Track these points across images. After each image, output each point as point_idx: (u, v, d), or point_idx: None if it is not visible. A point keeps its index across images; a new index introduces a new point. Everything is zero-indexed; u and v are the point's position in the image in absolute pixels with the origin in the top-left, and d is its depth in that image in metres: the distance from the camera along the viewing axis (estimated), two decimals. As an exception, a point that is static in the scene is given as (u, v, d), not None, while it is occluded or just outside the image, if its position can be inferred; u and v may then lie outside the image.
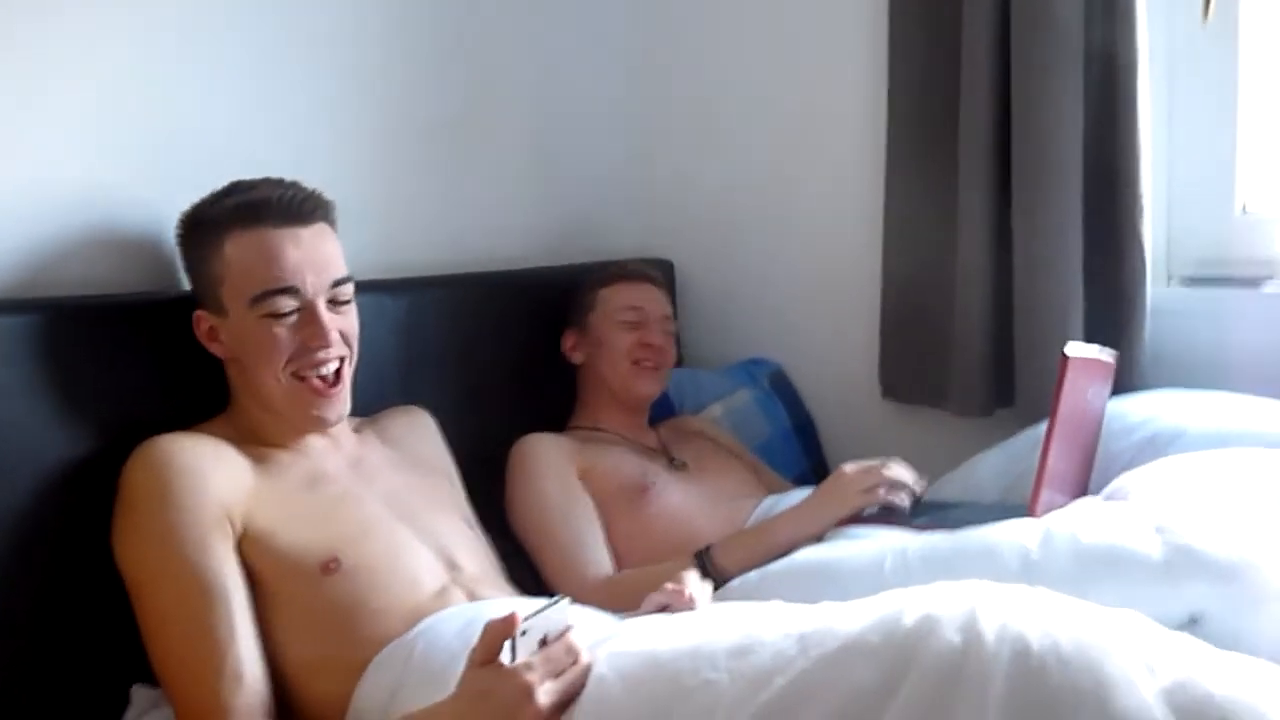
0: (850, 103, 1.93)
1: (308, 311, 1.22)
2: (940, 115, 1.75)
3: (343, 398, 1.26)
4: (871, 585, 1.16)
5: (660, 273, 1.86)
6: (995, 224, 1.70)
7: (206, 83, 1.40)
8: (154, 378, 1.26)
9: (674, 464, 1.66)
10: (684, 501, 1.58)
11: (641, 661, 0.95)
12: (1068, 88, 1.61)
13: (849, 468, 1.46)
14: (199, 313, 1.24)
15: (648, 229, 2.11)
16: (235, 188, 1.24)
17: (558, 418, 1.73)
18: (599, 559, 1.49)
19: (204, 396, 1.28)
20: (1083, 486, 1.43)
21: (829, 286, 1.99)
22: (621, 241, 2.05)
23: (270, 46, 1.47)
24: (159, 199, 1.31)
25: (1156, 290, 1.65)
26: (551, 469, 1.56)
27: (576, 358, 1.73)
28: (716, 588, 1.32)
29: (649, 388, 1.71)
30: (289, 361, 1.21)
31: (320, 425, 1.26)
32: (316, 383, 1.23)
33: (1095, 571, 1.11)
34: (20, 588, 1.13)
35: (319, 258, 1.23)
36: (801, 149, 2.00)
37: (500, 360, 1.70)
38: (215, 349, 1.25)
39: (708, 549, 1.42)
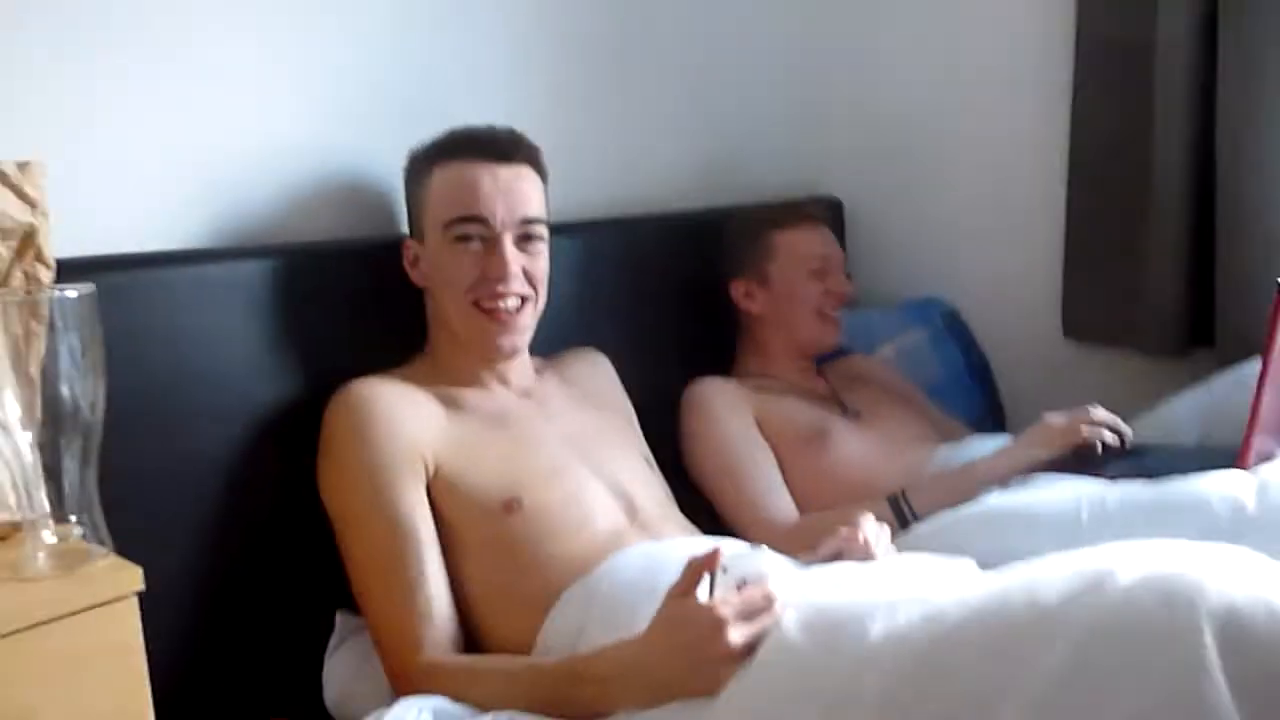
0: (1032, 20, 1.82)
1: (493, 243, 1.25)
2: (1134, 24, 1.63)
3: (520, 330, 1.29)
4: (1068, 534, 1.13)
5: (827, 211, 1.80)
6: (1197, 145, 1.58)
7: (403, 41, 1.45)
8: (361, 321, 1.31)
9: (847, 412, 1.63)
10: (861, 449, 1.55)
11: (821, 613, 0.94)
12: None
13: (1053, 416, 1.41)
14: (407, 241, 1.30)
15: (814, 166, 2.06)
16: (457, 132, 1.30)
17: (726, 359, 1.72)
18: (783, 503, 1.48)
19: (405, 339, 1.33)
20: None
21: (1006, 220, 1.90)
22: (785, 179, 2.00)
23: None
24: (365, 150, 1.39)
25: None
26: (731, 412, 1.55)
27: (754, 308, 1.68)
28: (904, 525, 1.30)
29: (834, 338, 1.68)
30: (470, 289, 1.25)
31: (495, 353, 1.28)
32: (501, 315, 1.26)
33: None
34: (238, 523, 1.19)
35: (513, 194, 1.26)
36: (976, 73, 1.90)
37: (670, 301, 1.69)
38: (414, 276, 1.30)
39: (903, 492, 1.40)
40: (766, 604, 0.96)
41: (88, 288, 0.84)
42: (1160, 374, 1.68)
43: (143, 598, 0.82)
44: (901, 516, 1.37)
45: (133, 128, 1.20)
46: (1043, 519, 1.17)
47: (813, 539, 1.25)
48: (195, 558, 1.16)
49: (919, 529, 1.26)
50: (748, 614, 0.95)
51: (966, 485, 1.35)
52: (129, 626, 0.81)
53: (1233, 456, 1.22)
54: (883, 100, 2.02)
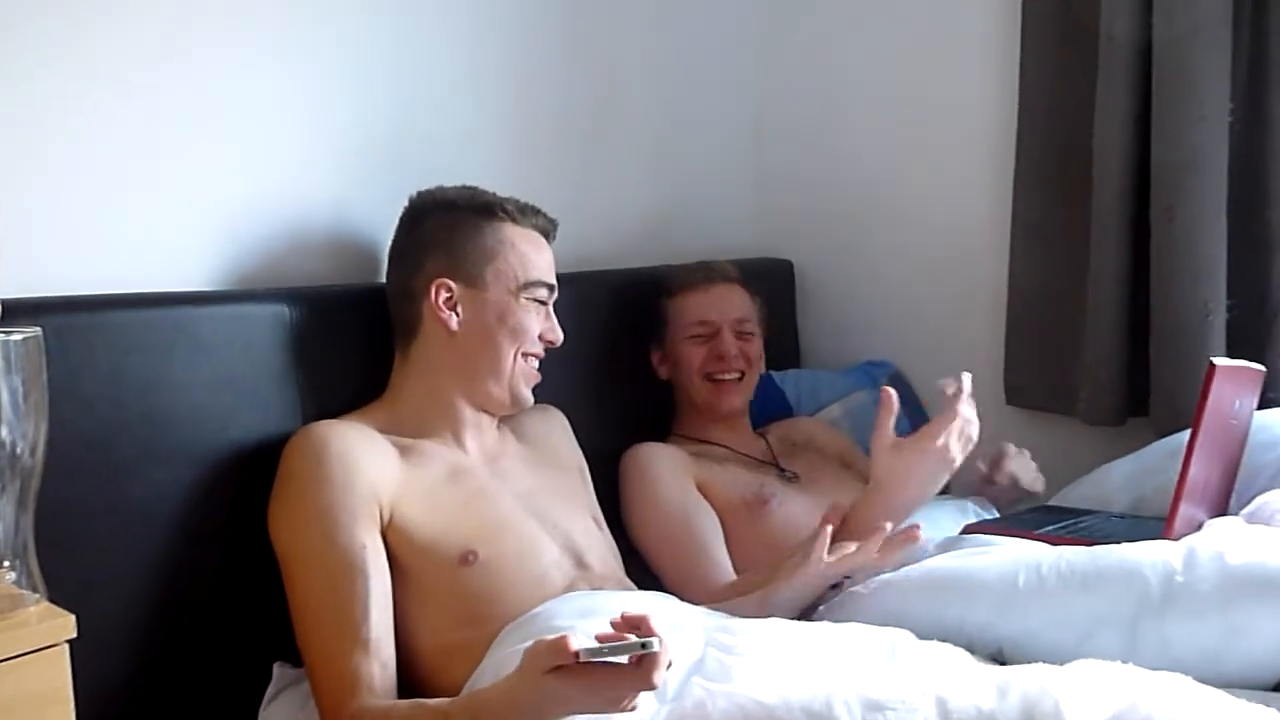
0: (978, 99, 1.89)
1: (547, 310, 1.37)
2: (1074, 111, 1.70)
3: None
4: (1004, 599, 1.15)
5: (774, 272, 1.81)
6: (1132, 223, 1.64)
7: (389, 103, 1.51)
8: (310, 367, 1.31)
9: (785, 475, 1.63)
10: (800, 513, 1.54)
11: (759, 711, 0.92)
12: (1212, 82, 1.55)
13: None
14: (442, 280, 1.31)
15: (767, 228, 2.11)
16: (471, 188, 1.37)
17: (671, 417, 1.73)
18: (723, 564, 1.48)
19: (356, 387, 1.34)
20: (1223, 503, 1.38)
21: (952, 288, 1.95)
22: (740, 241, 2.05)
23: (428, 68, 1.57)
24: (348, 200, 1.45)
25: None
26: (670, 475, 1.54)
27: (664, 374, 1.70)
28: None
29: (730, 401, 1.66)
30: (529, 344, 1.34)
31: (521, 403, 1.36)
32: (533, 368, 1.36)
33: (1244, 595, 1.05)
34: (178, 569, 1.18)
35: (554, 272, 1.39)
36: (926, 147, 1.96)
37: (617, 359, 1.71)
38: (443, 316, 1.31)
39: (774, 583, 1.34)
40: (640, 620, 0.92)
41: (33, 331, 0.83)
42: (1098, 442, 1.71)
43: (75, 645, 0.81)
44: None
45: (91, 171, 1.20)
46: (980, 584, 1.18)
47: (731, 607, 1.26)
48: (132, 604, 1.15)
49: (858, 589, 1.27)
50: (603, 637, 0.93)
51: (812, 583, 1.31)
52: (59, 675, 0.80)
53: (1161, 526, 1.26)
54: (835, 167, 2.07)
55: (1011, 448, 1.58)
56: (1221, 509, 1.36)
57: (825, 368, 1.99)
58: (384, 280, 1.40)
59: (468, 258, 1.32)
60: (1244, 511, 1.31)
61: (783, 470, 1.64)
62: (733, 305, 1.68)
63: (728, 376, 1.65)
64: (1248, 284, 1.58)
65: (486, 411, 1.36)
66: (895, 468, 1.39)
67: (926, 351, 1.97)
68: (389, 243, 1.39)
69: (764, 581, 1.31)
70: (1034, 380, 1.81)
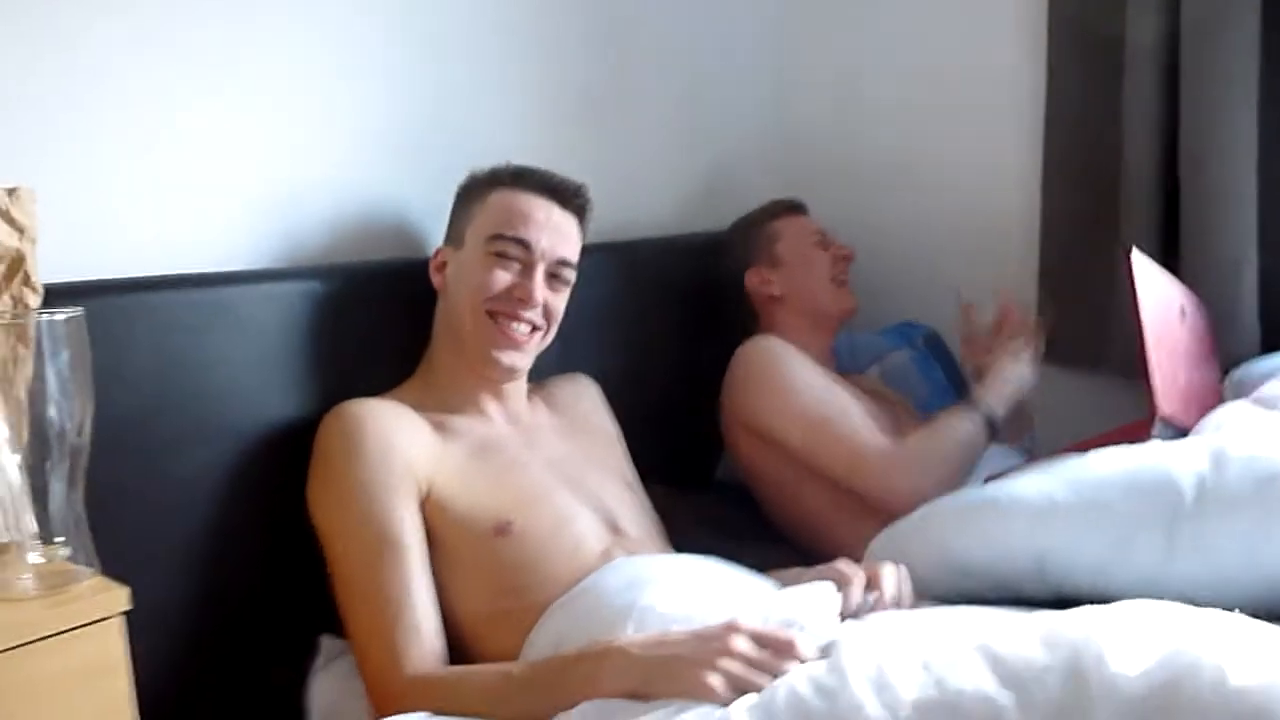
0: (1004, 50, 1.86)
1: (527, 269, 1.31)
2: (1103, 57, 1.67)
3: (523, 352, 1.33)
4: (1042, 513, 1.14)
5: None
6: (1162, 174, 1.62)
7: (416, 81, 1.51)
8: (349, 345, 1.33)
9: (885, 402, 1.68)
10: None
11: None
12: (1243, 29, 1.52)
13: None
14: (440, 248, 1.36)
15: (793, 193, 2.07)
16: (512, 166, 1.37)
17: (712, 380, 1.73)
18: (874, 432, 1.51)
19: (395, 365, 1.35)
20: (1214, 399, 1.40)
21: (981, 247, 1.93)
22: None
23: (457, 49, 1.57)
24: (383, 179, 1.46)
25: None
26: (800, 360, 1.59)
27: (772, 290, 1.72)
28: (991, 430, 1.48)
29: (851, 301, 1.74)
30: (492, 298, 1.30)
31: (494, 366, 1.31)
32: (509, 331, 1.31)
33: (1275, 487, 1.04)
34: (225, 545, 1.20)
35: (559, 233, 1.34)
36: (955, 107, 1.94)
37: (652, 325, 1.72)
38: (436, 279, 1.35)
39: (974, 394, 1.52)
40: (787, 647, 0.96)
41: (75, 311, 0.85)
42: (1130, 395, 1.70)
43: (128, 618, 0.83)
44: (987, 421, 1.48)
45: (130, 155, 1.21)
46: (1018, 501, 1.16)
47: (926, 459, 1.44)
48: (181, 579, 1.17)
49: (896, 528, 1.27)
50: (764, 641, 0.96)
51: (1004, 384, 1.52)
52: (114, 647, 0.82)
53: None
54: (863, 129, 2.06)
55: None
56: (1214, 402, 1.38)
57: (859, 329, 1.98)
58: (417, 255, 1.42)
59: (458, 222, 1.36)
60: (1250, 397, 1.32)
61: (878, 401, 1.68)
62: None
63: (846, 276, 1.75)
64: (1278, 235, 1.56)
65: (488, 379, 1.34)
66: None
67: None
68: (417, 216, 1.42)
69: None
70: (1067, 335, 1.79)
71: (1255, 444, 1.10)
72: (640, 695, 0.97)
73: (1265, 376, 1.41)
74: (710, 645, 0.97)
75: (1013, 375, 1.55)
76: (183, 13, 1.24)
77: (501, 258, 1.31)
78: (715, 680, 0.94)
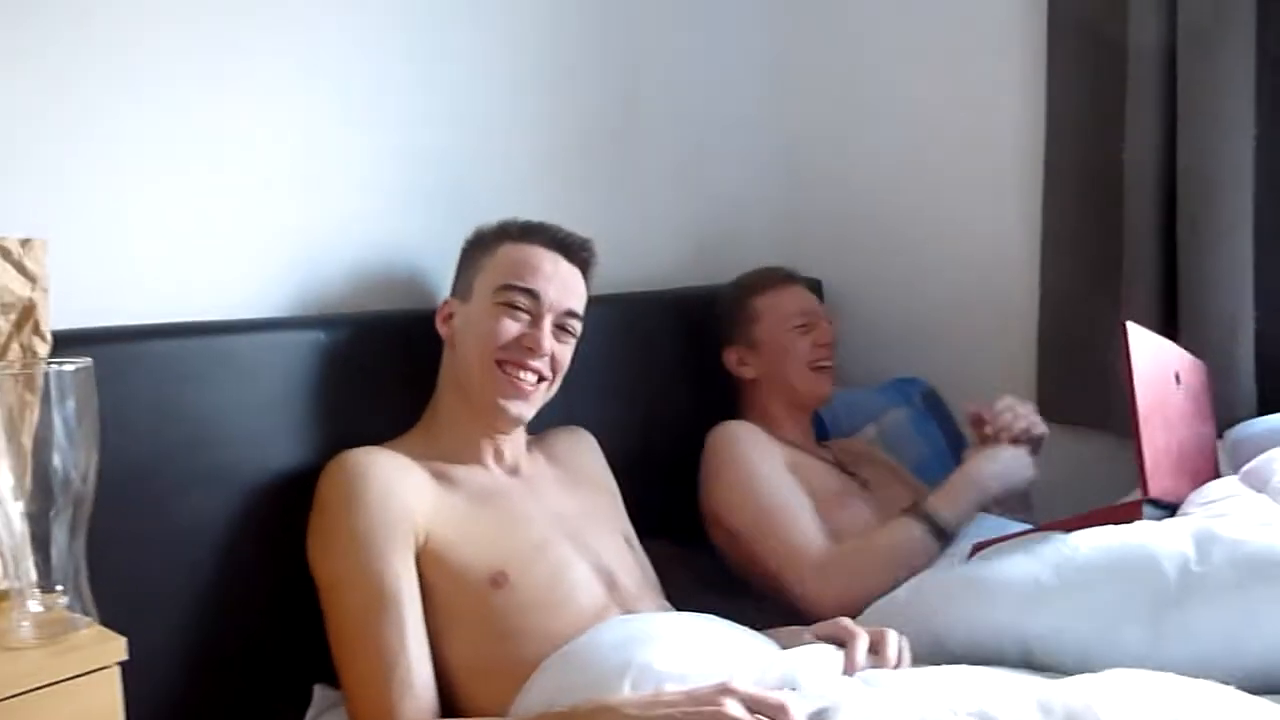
0: (1007, 113, 1.90)
1: (535, 319, 1.33)
2: (1102, 123, 1.71)
3: (530, 404, 1.34)
4: (1028, 598, 1.15)
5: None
6: (1163, 235, 1.64)
7: (421, 131, 1.54)
8: (352, 396, 1.34)
9: (857, 479, 1.66)
10: (869, 519, 1.56)
11: None
12: (1240, 92, 1.55)
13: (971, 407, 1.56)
14: (447, 300, 1.38)
15: (796, 247, 2.11)
16: (512, 220, 1.40)
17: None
18: (817, 534, 1.48)
19: (396, 416, 1.36)
20: (1209, 469, 1.41)
21: (982, 302, 1.96)
22: (769, 260, 2.04)
23: (465, 101, 1.60)
24: (388, 229, 1.49)
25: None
26: (760, 450, 1.57)
27: (747, 373, 1.72)
28: (940, 538, 1.42)
29: (829, 388, 1.73)
30: (502, 348, 1.31)
31: (500, 415, 1.32)
32: (516, 381, 1.32)
33: (1257, 579, 1.05)
34: (223, 593, 1.20)
35: (566, 285, 1.37)
36: (955, 162, 1.97)
37: (656, 377, 1.73)
38: (442, 330, 1.37)
39: (925, 500, 1.47)
40: (779, 711, 0.95)
41: (84, 362, 0.86)
42: (1132, 456, 1.70)
43: (125, 667, 0.83)
44: (931, 524, 1.43)
45: (140, 205, 1.24)
46: (1004, 585, 1.18)
47: (859, 566, 1.39)
48: (179, 627, 1.17)
49: (890, 597, 1.27)
50: (757, 704, 0.95)
51: (971, 482, 1.46)
52: (110, 697, 0.82)
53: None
54: (865, 185, 2.09)
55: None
56: (1209, 475, 1.38)
57: (857, 386, 1.99)
58: (422, 307, 1.43)
59: (465, 275, 1.38)
60: (1241, 470, 1.32)
61: (853, 475, 1.67)
62: (815, 301, 1.79)
63: (828, 364, 1.72)
64: (1275, 295, 1.58)
65: (492, 429, 1.35)
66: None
67: (959, 367, 1.98)
68: (425, 268, 1.44)
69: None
70: (1067, 394, 1.81)
71: (1239, 528, 1.11)
72: None
73: (1261, 436, 1.42)
74: (703, 708, 0.96)
75: (981, 476, 1.50)
76: (195, 65, 1.27)
77: (510, 308, 1.32)
78: None
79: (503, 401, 1.32)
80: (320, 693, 1.24)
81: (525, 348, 1.32)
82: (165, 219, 1.26)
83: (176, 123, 1.26)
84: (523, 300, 1.33)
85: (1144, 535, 1.15)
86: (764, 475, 1.54)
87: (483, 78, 1.62)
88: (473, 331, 1.33)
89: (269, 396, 1.26)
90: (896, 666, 1.13)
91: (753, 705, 0.96)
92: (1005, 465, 1.51)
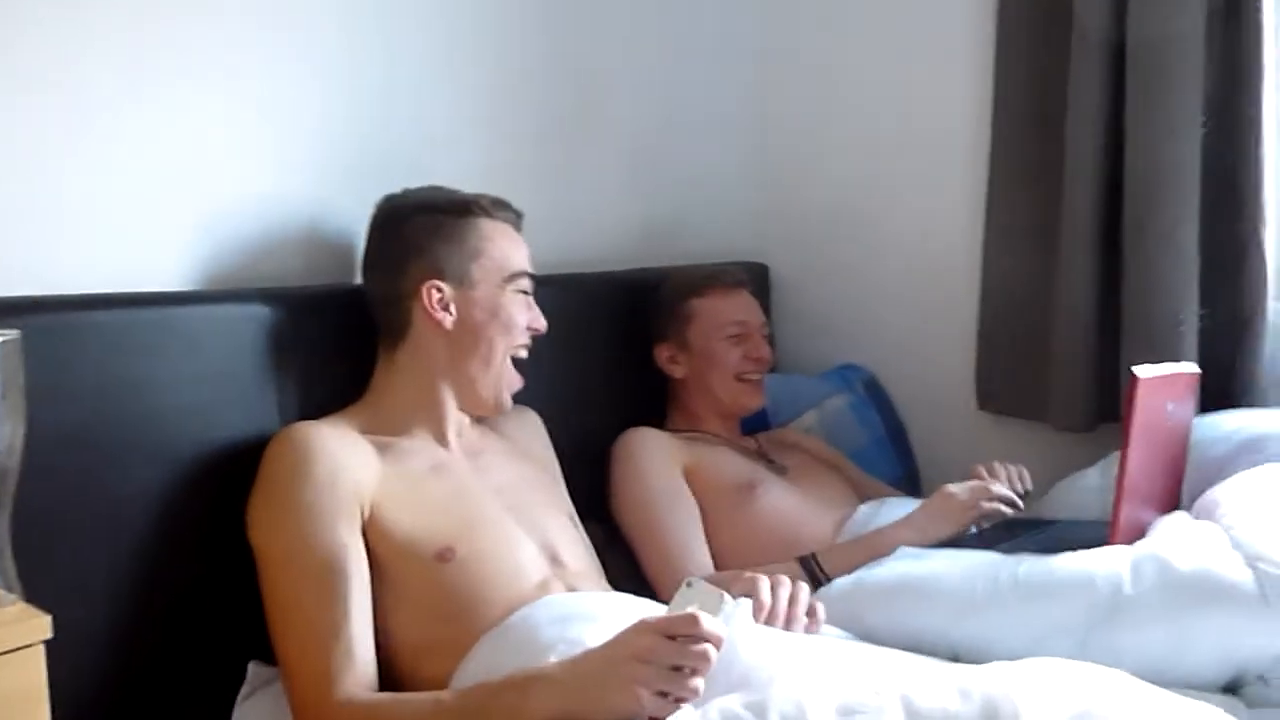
0: (954, 105, 1.91)
1: (529, 298, 1.39)
2: (1047, 119, 1.73)
3: None
4: (962, 606, 1.18)
5: (750, 276, 1.85)
6: (1104, 232, 1.67)
7: (366, 102, 1.52)
8: (292, 369, 1.32)
9: (775, 467, 1.67)
10: (788, 503, 1.58)
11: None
12: (1186, 90, 1.57)
13: (954, 488, 1.46)
14: (434, 282, 1.32)
15: (743, 232, 2.12)
16: (439, 188, 1.39)
17: (656, 416, 1.75)
18: (699, 561, 1.50)
19: (335, 388, 1.34)
20: (1172, 500, 1.41)
21: (926, 293, 1.98)
22: (718, 244, 2.06)
23: (413, 64, 1.58)
24: (324, 200, 1.46)
25: (1276, 307, 1.60)
26: (656, 464, 1.58)
27: (676, 371, 1.72)
28: (815, 585, 1.34)
29: (755, 400, 1.72)
30: (519, 334, 1.37)
31: (502, 407, 1.38)
32: (513, 367, 1.37)
33: (1189, 605, 1.09)
34: (155, 569, 1.18)
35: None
36: (902, 152, 1.99)
37: (599, 359, 1.73)
38: (430, 319, 1.32)
39: (813, 555, 1.44)
40: (691, 624, 0.95)
41: (12, 334, 0.83)
42: (1070, 447, 1.74)
43: (51, 644, 0.81)
44: (813, 577, 1.41)
45: (73, 169, 1.21)
46: (938, 591, 1.21)
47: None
48: (108, 603, 1.15)
49: (822, 592, 1.29)
50: (672, 627, 0.96)
51: (874, 552, 1.39)
52: (35, 675, 0.80)
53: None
54: (815, 173, 2.09)
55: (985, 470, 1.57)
56: (1171, 506, 1.40)
57: (800, 372, 2.01)
58: (351, 281, 1.41)
59: (452, 257, 1.34)
60: (1194, 507, 1.34)
61: (773, 462, 1.68)
62: (757, 310, 1.76)
63: (757, 377, 1.71)
64: (1219, 294, 1.61)
65: (470, 412, 1.37)
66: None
67: (900, 356, 2.01)
68: (359, 243, 1.40)
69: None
70: (1005, 385, 1.84)
71: (1178, 552, 1.13)
72: (573, 713, 0.97)
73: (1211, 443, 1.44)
74: (623, 655, 0.97)
75: (894, 543, 1.41)
76: (131, 32, 1.24)
77: (524, 294, 1.38)
78: (640, 692, 0.94)
79: (508, 395, 1.38)
80: (254, 669, 1.23)
81: (532, 330, 1.38)
82: (96, 188, 1.23)
83: (109, 85, 1.22)
84: (528, 284, 1.38)
85: (1085, 558, 1.18)
86: (654, 492, 1.55)
87: (421, 45, 1.58)
88: (494, 319, 1.34)
89: (207, 369, 1.23)
90: (789, 617, 1.16)
91: (668, 630, 0.96)
92: (923, 535, 1.44)
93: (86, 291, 1.18)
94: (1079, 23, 1.65)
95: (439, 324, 1.32)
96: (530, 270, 1.38)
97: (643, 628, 0.98)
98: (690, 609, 0.98)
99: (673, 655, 0.95)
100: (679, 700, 0.95)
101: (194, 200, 1.32)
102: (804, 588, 1.21)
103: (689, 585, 1.00)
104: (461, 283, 1.34)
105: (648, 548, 1.52)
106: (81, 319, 1.14)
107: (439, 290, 1.32)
